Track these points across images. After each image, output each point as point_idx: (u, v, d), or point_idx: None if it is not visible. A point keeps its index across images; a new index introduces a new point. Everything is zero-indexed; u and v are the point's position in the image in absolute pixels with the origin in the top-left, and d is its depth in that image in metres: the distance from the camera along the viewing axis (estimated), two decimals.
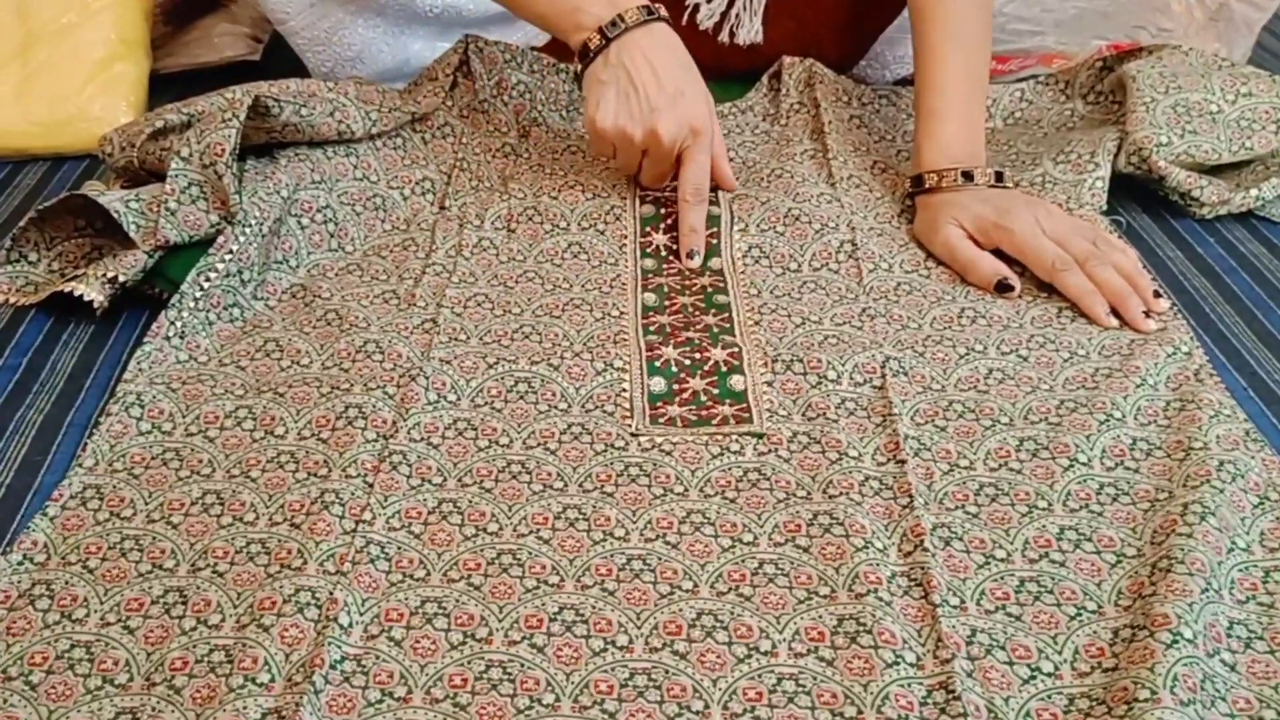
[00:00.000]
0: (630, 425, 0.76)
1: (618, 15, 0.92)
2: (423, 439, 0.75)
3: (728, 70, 1.20)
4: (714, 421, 0.77)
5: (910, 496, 0.70)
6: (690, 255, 0.93)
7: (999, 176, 0.96)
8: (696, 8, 1.16)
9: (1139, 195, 1.04)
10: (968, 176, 0.96)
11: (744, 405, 0.78)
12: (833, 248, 0.94)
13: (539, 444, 0.75)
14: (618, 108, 0.92)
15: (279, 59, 1.28)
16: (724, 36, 1.16)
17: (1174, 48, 1.10)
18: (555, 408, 0.78)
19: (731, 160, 1.06)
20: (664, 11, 0.94)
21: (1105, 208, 1.00)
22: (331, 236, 0.95)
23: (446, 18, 1.18)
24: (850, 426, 0.76)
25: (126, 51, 1.16)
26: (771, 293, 0.90)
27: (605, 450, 0.74)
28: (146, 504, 0.70)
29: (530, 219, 0.98)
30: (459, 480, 0.72)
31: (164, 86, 1.23)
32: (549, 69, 1.13)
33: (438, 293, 0.89)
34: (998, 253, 0.92)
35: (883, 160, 1.08)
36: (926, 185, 0.97)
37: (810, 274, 0.92)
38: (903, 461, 0.73)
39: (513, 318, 0.87)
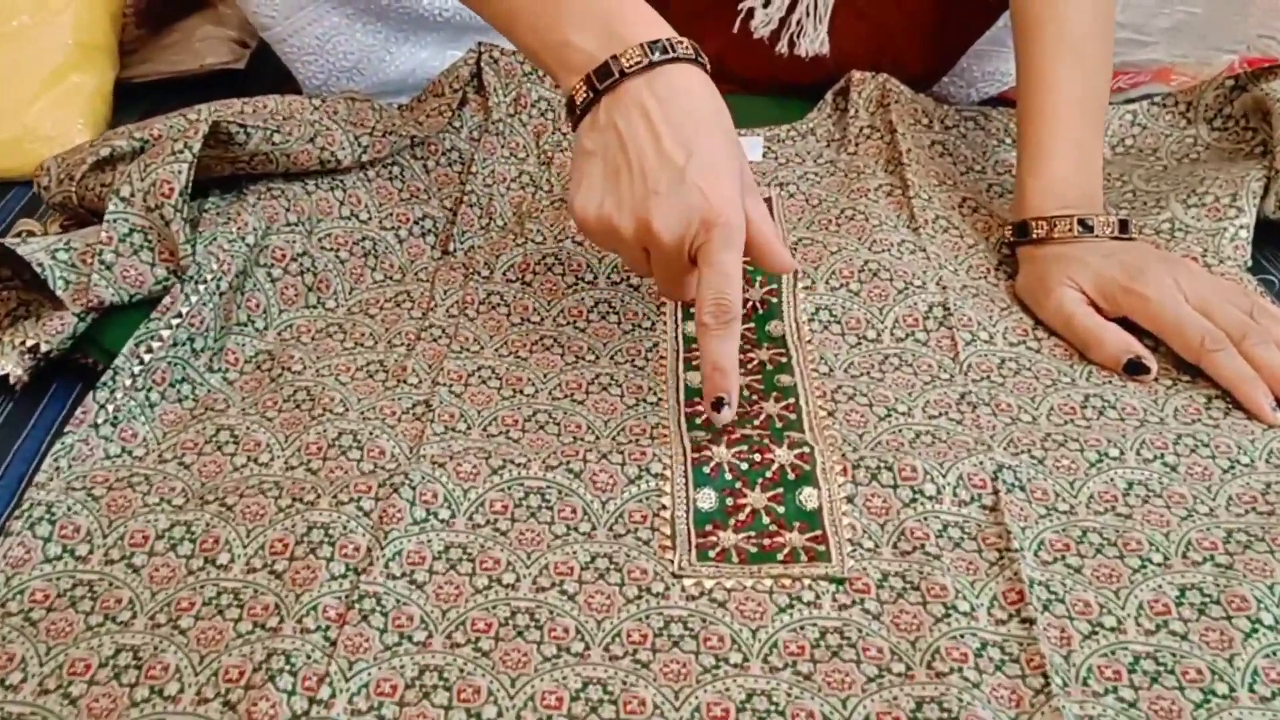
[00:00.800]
0: (671, 560, 0.59)
1: (612, 56, 0.65)
2: (404, 574, 0.58)
3: (786, 86, 1.02)
4: (780, 555, 0.59)
5: (1045, 676, 0.53)
6: (718, 405, 0.64)
7: (1123, 226, 0.79)
8: (751, 13, 0.98)
9: None
10: (1085, 226, 0.78)
11: (818, 533, 0.60)
12: (920, 312, 0.77)
13: (553, 584, 0.58)
14: (603, 190, 0.65)
15: (267, 67, 1.11)
16: (783, 47, 0.99)
17: None
18: (575, 530, 0.61)
19: (792, 197, 0.89)
20: (688, 47, 0.66)
21: (1250, 263, 0.82)
22: (309, 290, 0.79)
23: (458, 23, 1.00)
24: (957, 565, 0.59)
25: (85, 59, 0.99)
26: (846, 370, 0.73)
27: (639, 597, 0.57)
28: (41, 666, 0.54)
29: (550, 269, 0.81)
30: (448, 637, 0.55)
31: (134, 99, 1.07)
32: None
33: (434, 365, 0.73)
34: (1124, 322, 0.74)
35: (972, 197, 0.90)
36: (1033, 235, 0.79)
37: (893, 345, 0.75)
38: (1029, 621, 0.55)
39: (525, 400, 0.70)
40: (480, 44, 0.96)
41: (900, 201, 0.87)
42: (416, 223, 0.85)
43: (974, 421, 0.68)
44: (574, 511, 0.62)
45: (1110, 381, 0.72)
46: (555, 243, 0.83)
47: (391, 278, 0.82)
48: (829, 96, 1.00)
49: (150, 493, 0.63)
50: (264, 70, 1.12)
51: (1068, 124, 0.81)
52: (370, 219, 0.83)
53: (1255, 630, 0.55)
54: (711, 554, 0.59)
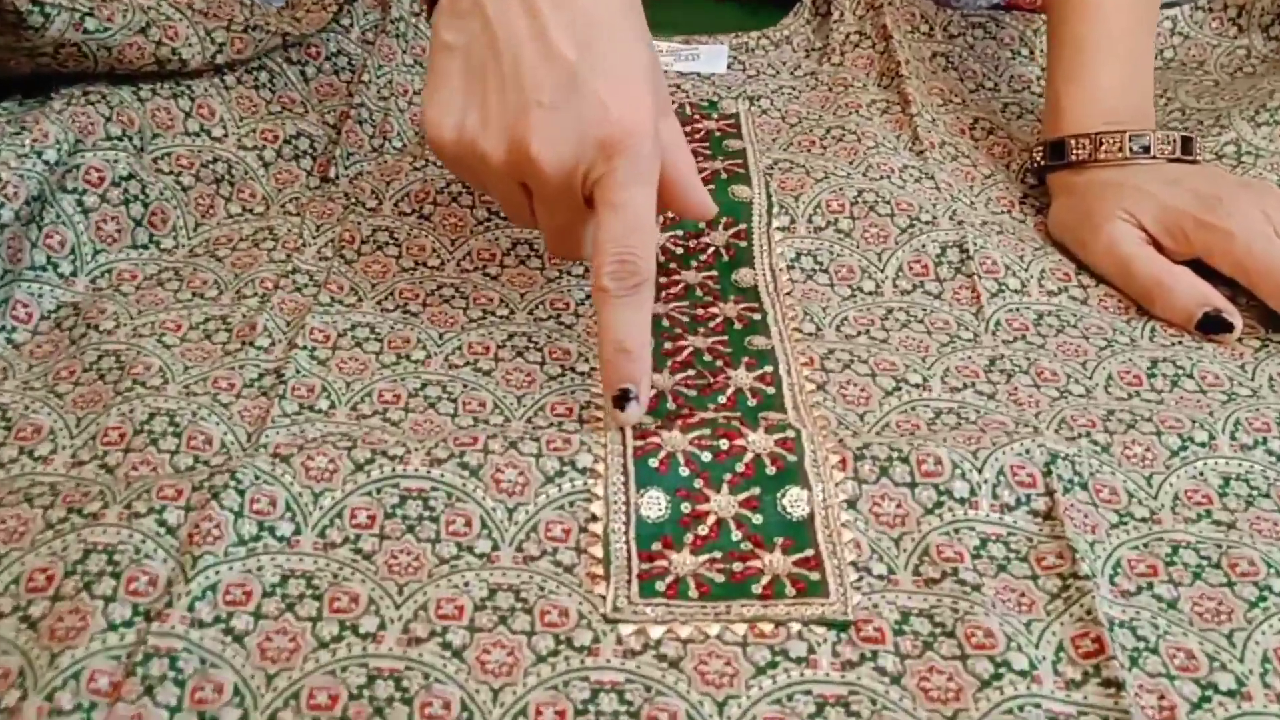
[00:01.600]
0: (603, 597, 0.42)
1: None
2: (217, 621, 0.40)
3: None
4: (757, 588, 0.42)
5: None
6: (622, 400, 0.46)
7: (1186, 145, 0.62)
8: None
9: None
10: (1140, 145, 0.61)
11: (809, 553, 0.43)
12: (931, 254, 0.59)
13: (432, 634, 0.40)
14: (465, 100, 0.47)
15: None
16: None
17: None
18: (469, 551, 0.43)
19: (764, 113, 0.71)
20: None
21: None
22: (137, 225, 0.60)
23: None
24: (1007, 599, 0.42)
25: None
26: (839, 329, 0.55)
27: (556, 653, 0.40)
28: None
29: (455, 199, 0.63)
30: (272, 718, 0.37)
31: None
32: None
33: (294, 322, 0.54)
34: (1196, 265, 0.58)
35: (985, 117, 0.72)
36: (1072, 157, 0.62)
37: (898, 298, 0.57)
38: (1115, 684, 0.38)
39: (411, 369, 0.52)
40: None
41: (900, 120, 0.70)
42: (288, 142, 0.66)
43: (1010, 395, 0.51)
44: (468, 524, 0.44)
45: (1181, 341, 0.55)
46: None
47: (251, 210, 0.63)
48: (807, 0, 0.82)
49: None
50: None
51: (1115, 18, 0.64)
52: (226, 135, 0.65)
53: None
54: (660, 586, 0.42)
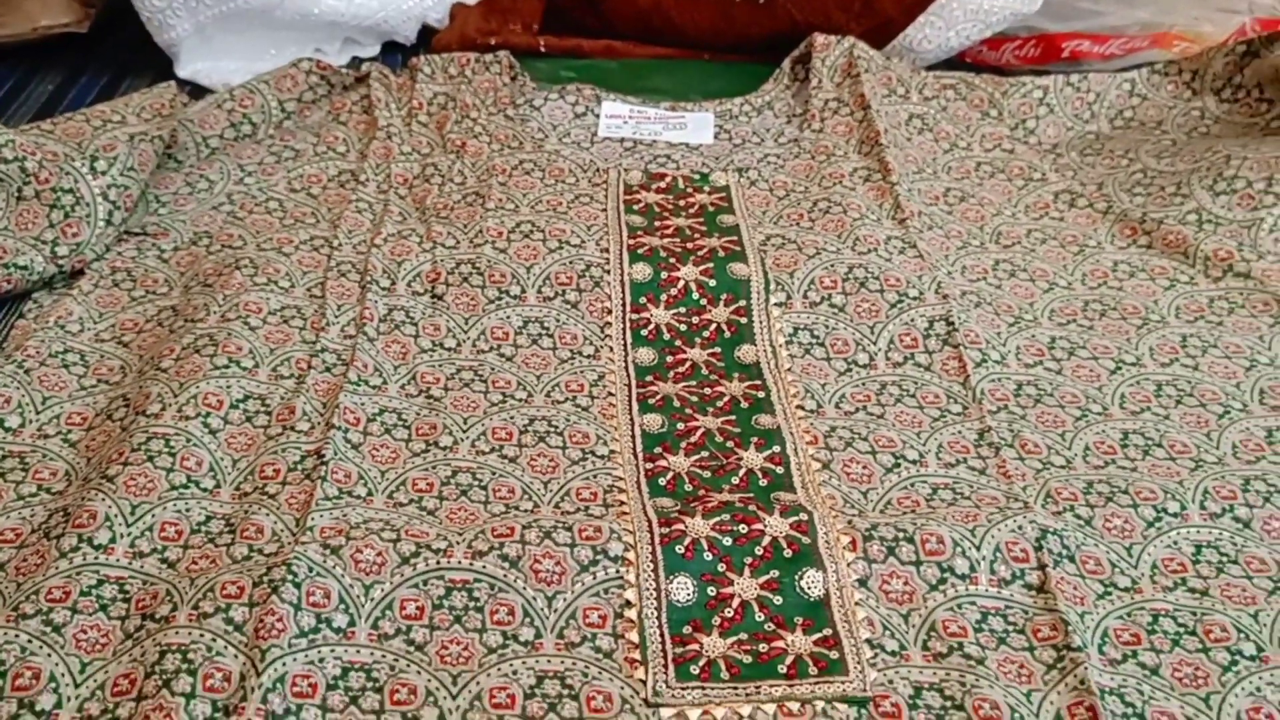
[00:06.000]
0: (644, 681, 0.45)
1: None
2: (289, 713, 0.43)
3: (739, 39, 0.88)
4: (782, 667, 0.46)
5: None
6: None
7: None
8: None
9: None
10: None
11: (828, 633, 0.47)
12: (919, 329, 0.64)
13: None
14: None
15: (119, 32, 0.93)
16: None
17: None
18: (515, 639, 0.47)
19: (753, 184, 0.75)
20: None
21: None
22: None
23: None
24: (1008, 671, 0.46)
25: None
26: (838, 406, 0.59)
27: None
28: None
29: (466, 280, 0.66)
30: None
31: None
32: (473, 66, 0.82)
33: (328, 403, 0.57)
34: None
35: (957, 186, 0.77)
36: None
37: (891, 372, 0.62)
38: None
39: (440, 455, 0.56)
40: (359, 60, 0.82)
41: (882, 189, 0.74)
42: (303, 242, 0.69)
43: (999, 469, 0.55)
44: (511, 613, 0.48)
45: (1148, 409, 0.60)
46: (471, 248, 0.68)
47: (277, 284, 0.66)
48: (787, 65, 0.86)
49: None
50: (115, 36, 0.94)
51: None
52: (245, 245, 0.68)
53: None
54: (694, 670, 0.46)
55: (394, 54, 0.94)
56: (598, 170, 0.76)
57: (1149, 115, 0.84)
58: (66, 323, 0.63)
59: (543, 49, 0.92)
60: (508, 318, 0.64)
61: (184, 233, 0.70)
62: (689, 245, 0.68)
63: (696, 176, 0.75)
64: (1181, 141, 0.81)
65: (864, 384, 0.61)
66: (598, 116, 0.82)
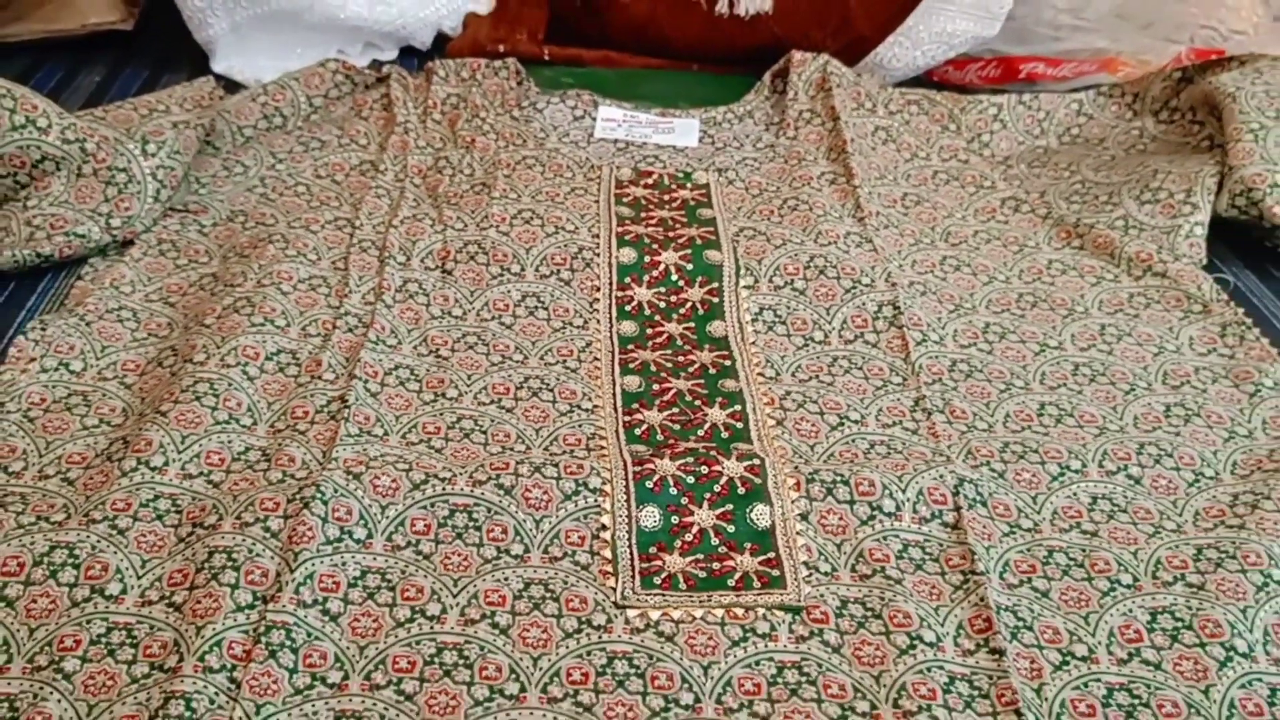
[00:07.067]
0: (614, 589, 0.54)
1: None
2: (316, 603, 0.52)
3: (726, 50, 0.97)
4: (731, 581, 0.55)
5: (1018, 714, 0.49)
6: None
7: None
8: None
9: (1243, 246, 0.83)
10: None
11: (771, 555, 0.56)
12: (869, 311, 0.72)
13: (484, 617, 0.52)
14: None
15: (159, 29, 1.02)
16: (722, 8, 0.94)
17: (1273, 59, 0.89)
18: (507, 553, 0.55)
19: (731, 184, 0.84)
20: None
21: (1205, 261, 0.79)
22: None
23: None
24: (920, 589, 0.55)
25: None
26: (794, 375, 0.68)
27: (579, 631, 0.52)
28: None
29: (472, 258, 0.75)
30: (366, 678, 0.49)
31: (7, 60, 0.97)
32: (483, 71, 0.91)
33: (351, 358, 0.66)
34: None
35: (915, 191, 0.86)
36: None
37: (842, 348, 0.70)
38: (998, 652, 0.52)
39: (448, 406, 0.64)
40: (378, 62, 0.91)
41: (845, 190, 0.83)
42: (328, 222, 0.78)
43: (930, 430, 0.64)
44: (504, 532, 0.56)
45: (1064, 385, 0.69)
46: (478, 230, 0.76)
47: (306, 257, 0.74)
48: (767, 78, 0.95)
49: (25, 511, 0.56)
50: (154, 34, 1.03)
51: None
52: (277, 222, 0.77)
53: (1230, 659, 0.52)
54: (657, 580, 0.54)
55: (410, 58, 1.03)
56: (592, 166, 0.84)
57: (1093, 133, 0.93)
58: (120, 284, 0.71)
59: (547, 57, 1.01)
60: (508, 291, 0.73)
61: (222, 210, 0.79)
62: (670, 234, 0.77)
63: (680, 174, 0.84)
64: (1120, 157, 0.90)
65: (818, 357, 0.69)
66: (594, 119, 0.91)
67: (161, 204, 0.76)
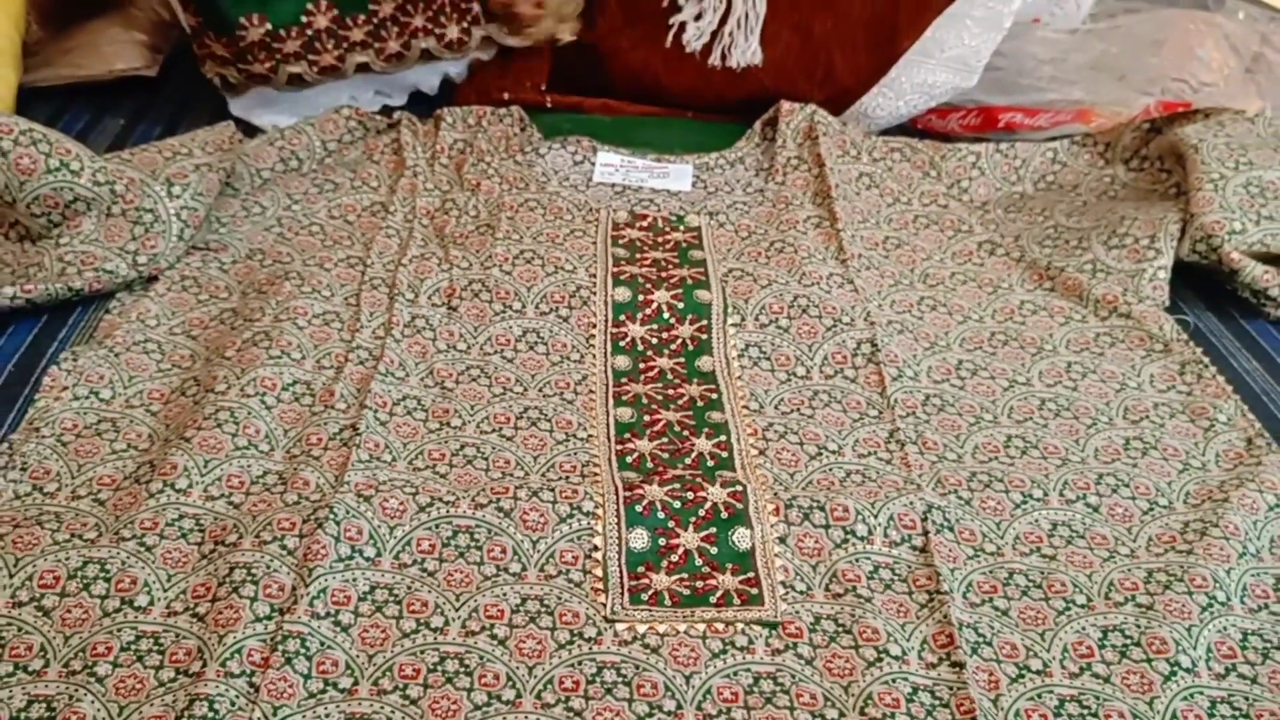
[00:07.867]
0: (605, 604, 0.58)
1: None
2: (328, 615, 0.56)
3: (718, 99, 1.03)
4: (712, 599, 0.59)
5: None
6: None
7: None
8: (682, 26, 0.99)
9: (1204, 289, 0.87)
10: None
11: (750, 575, 0.60)
12: (848, 349, 0.77)
13: (483, 628, 0.57)
14: None
15: (181, 75, 1.08)
16: (714, 60, 0.99)
17: (1235, 113, 0.95)
18: (506, 571, 0.60)
19: (721, 226, 0.89)
20: None
21: (1168, 303, 0.84)
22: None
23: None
24: (889, 608, 0.59)
25: None
26: (777, 407, 0.73)
27: (571, 642, 0.56)
28: None
29: (476, 295, 0.80)
30: (375, 684, 0.54)
31: (37, 103, 1.03)
32: (489, 117, 0.96)
33: (362, 389, 0.71)
34: None
35: (895, 234, 0.91)
36: None
37: (823, 383, 0.75)
38: (959, 665, 0.56)
39: (452, 434, 0.69)
40: (390, 110, 0.96)
41: (829, 234, 0.88)
42: (341, 260, 0.83)
43: (902, 460, 0.69)
44: (504, 551, 0.61)
45: (1031, 419, 0.73)
46: (482, 269, 0.81)
47: (319, 293, 0.79)
48: (757, 126, 1.00)
49: (60, 529, 0.60)
50: (178, 79, 1.08)
51: None
52: (293, 260, 0.82)
53: (1174, 673, 0.56)
54: (644, 597, 0.59)
55: (419, 105, 1.08)
56: (590, 210, 0.89)
57: (1067, 179, 0.98)
58: (145, 318, 0.76)
59: (549, 105, 1.06)
60: (510, 327, 0.78)
61: (241, 248, 0.84)
62: (663, 274, 0.82)
63: (674, 218, 0.89)
64: (1092, 203, 0.95)
65: (800, 391, 0.74)
66: (593, 164, 0.96)
67: (185, 242, 0.81)
